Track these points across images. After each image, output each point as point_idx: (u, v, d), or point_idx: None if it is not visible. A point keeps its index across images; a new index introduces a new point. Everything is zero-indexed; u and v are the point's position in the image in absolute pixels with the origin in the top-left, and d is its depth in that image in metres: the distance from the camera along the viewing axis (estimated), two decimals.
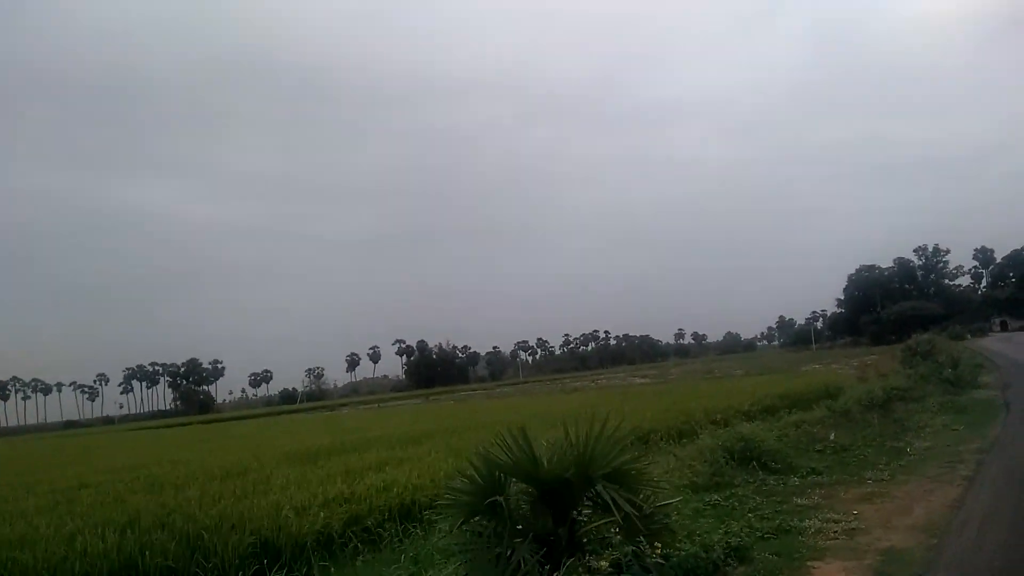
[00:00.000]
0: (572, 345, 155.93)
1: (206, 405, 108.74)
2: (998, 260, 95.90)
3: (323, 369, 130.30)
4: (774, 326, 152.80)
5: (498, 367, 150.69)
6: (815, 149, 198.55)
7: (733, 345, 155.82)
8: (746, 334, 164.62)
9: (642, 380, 50.84)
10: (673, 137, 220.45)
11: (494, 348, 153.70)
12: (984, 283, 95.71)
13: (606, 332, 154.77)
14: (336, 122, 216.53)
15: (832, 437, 11.30)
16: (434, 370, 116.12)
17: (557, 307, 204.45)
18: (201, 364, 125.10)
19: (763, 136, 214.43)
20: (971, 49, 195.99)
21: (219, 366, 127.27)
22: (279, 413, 65.96)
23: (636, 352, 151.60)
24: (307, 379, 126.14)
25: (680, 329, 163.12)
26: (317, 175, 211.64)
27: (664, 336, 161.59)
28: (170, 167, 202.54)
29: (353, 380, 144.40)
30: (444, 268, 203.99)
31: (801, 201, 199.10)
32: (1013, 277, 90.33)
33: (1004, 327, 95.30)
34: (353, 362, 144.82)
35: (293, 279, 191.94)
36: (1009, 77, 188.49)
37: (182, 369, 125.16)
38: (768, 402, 16.10)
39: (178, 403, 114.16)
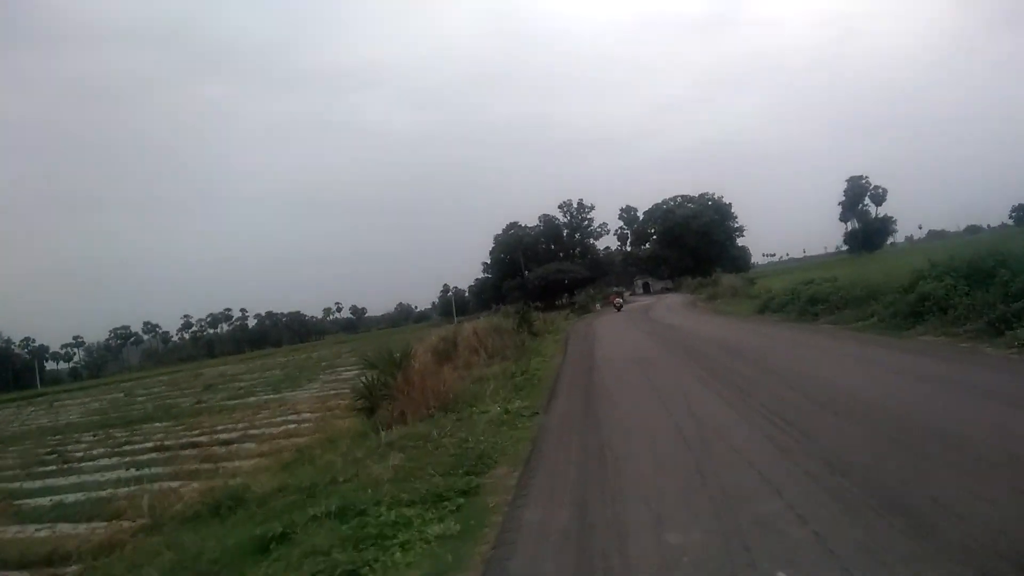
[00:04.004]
0: (195, 329, 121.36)
1: None
2: (641, 219, 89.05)
3: None
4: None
5: (84, 363, 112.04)
6: (494, 122, 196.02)
7: (404, 318, 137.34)
8: (422, 305, 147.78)
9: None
10: (358, 103, 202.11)
11: (75, 339, 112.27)
12: (629, 243, 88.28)
13: (242, 311, 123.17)
14: None
15: None
16: None
17: (196, 286, 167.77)
18: None
19: (447, 108, 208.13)
20: (624, 42, 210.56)
21: None
22: None
23: (283, 332, 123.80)
24: None
25: (338, 303, 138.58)
26: None
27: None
28: None
29: None
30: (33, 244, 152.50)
31: (481, 170, 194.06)
32: (654, 234, 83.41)
33: (647, 289, 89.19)
34: None
35: None
36: (650, 68, 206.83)
37: None
38: None
39: None
